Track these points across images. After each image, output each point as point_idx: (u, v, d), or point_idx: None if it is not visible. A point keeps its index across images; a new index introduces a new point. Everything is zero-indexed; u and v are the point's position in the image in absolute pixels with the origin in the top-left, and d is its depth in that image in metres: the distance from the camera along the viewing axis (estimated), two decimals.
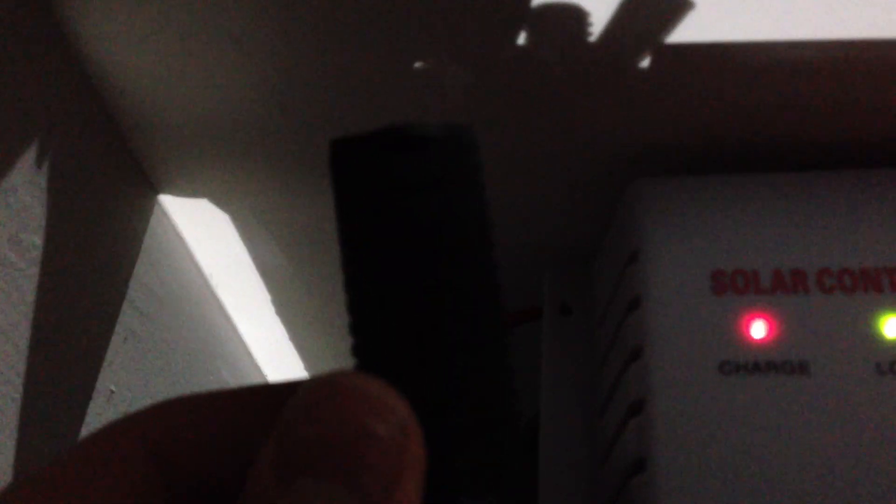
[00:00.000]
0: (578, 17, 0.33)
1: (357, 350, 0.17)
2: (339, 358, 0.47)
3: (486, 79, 0.35)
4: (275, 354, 0.57)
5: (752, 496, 0.28)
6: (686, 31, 0.32)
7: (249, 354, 0.57)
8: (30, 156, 0.35)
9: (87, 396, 0.40)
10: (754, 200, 0.33)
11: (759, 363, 0.30)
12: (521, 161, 0.39)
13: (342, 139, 0.17)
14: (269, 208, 0.45)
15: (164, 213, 0.45)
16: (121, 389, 0.42)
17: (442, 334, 0.17)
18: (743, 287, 0.32)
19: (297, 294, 0.51)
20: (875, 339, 0.30)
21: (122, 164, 0.41)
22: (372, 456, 0.16)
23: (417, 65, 0.35)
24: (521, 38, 0.33)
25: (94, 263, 0.40)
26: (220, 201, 0.44)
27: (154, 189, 0.44)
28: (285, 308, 0.52)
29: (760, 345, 0.30)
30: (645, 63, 0.34)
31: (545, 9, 0.32)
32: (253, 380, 0.55)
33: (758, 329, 0.31)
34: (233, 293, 0.51)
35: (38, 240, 0.36)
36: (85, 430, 0.40)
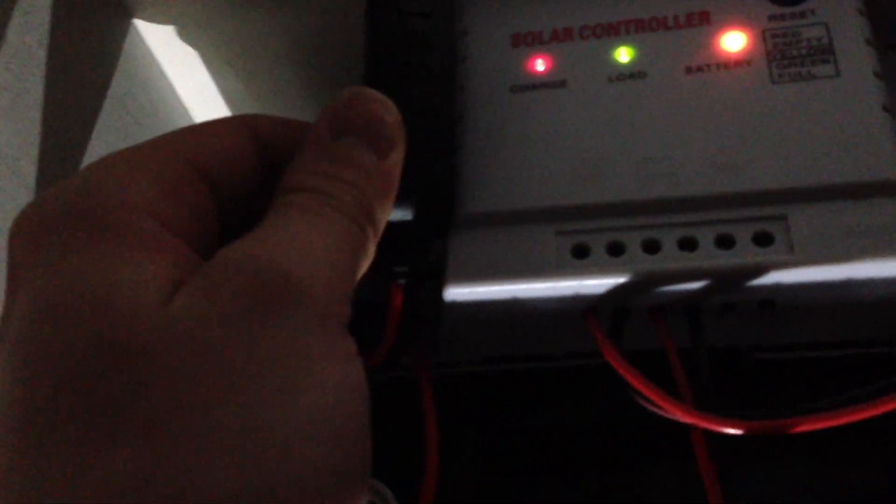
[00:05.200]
0: None
1: None
2: None
3: None
4: None
5: (531, 170, 0.44)
6: None
7: None
8: None
9: None
10: None
11: (536, 84, 0.46)
12: None
13: None
14: (230, 40, 0.60)
15: (143, 41, 0.60)
16: None
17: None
18: (531, 41, 0.47)
19: None
20: (610, 62, 0.46)
21: None
22: (383, 130, 0.28)
23: None
24: None
25: (79, 70, 0.55)
26: (188, 34, 0.60)
27: (128, 13, 0.59)
28: None
29: (539, 73, 0.46)
30: None
31: None
32: None
33: (539, 64, 0.47)
34: (206, 117, 0.67)
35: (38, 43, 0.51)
36: None
